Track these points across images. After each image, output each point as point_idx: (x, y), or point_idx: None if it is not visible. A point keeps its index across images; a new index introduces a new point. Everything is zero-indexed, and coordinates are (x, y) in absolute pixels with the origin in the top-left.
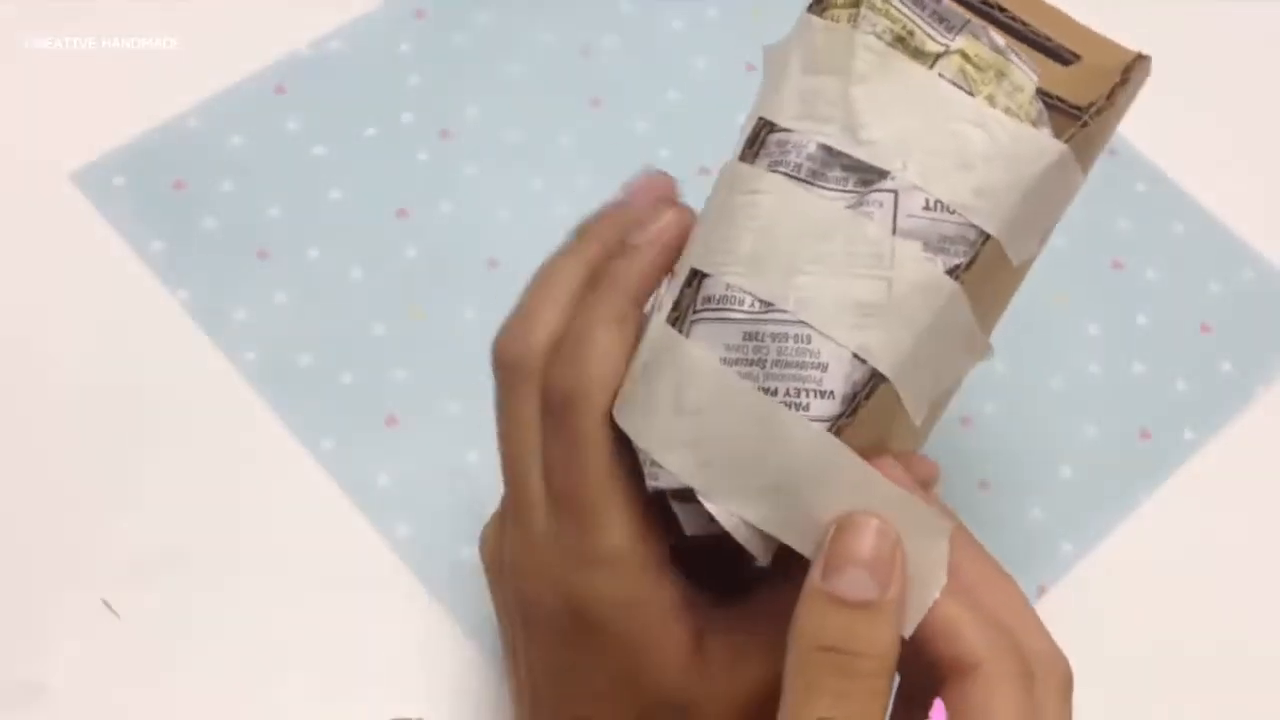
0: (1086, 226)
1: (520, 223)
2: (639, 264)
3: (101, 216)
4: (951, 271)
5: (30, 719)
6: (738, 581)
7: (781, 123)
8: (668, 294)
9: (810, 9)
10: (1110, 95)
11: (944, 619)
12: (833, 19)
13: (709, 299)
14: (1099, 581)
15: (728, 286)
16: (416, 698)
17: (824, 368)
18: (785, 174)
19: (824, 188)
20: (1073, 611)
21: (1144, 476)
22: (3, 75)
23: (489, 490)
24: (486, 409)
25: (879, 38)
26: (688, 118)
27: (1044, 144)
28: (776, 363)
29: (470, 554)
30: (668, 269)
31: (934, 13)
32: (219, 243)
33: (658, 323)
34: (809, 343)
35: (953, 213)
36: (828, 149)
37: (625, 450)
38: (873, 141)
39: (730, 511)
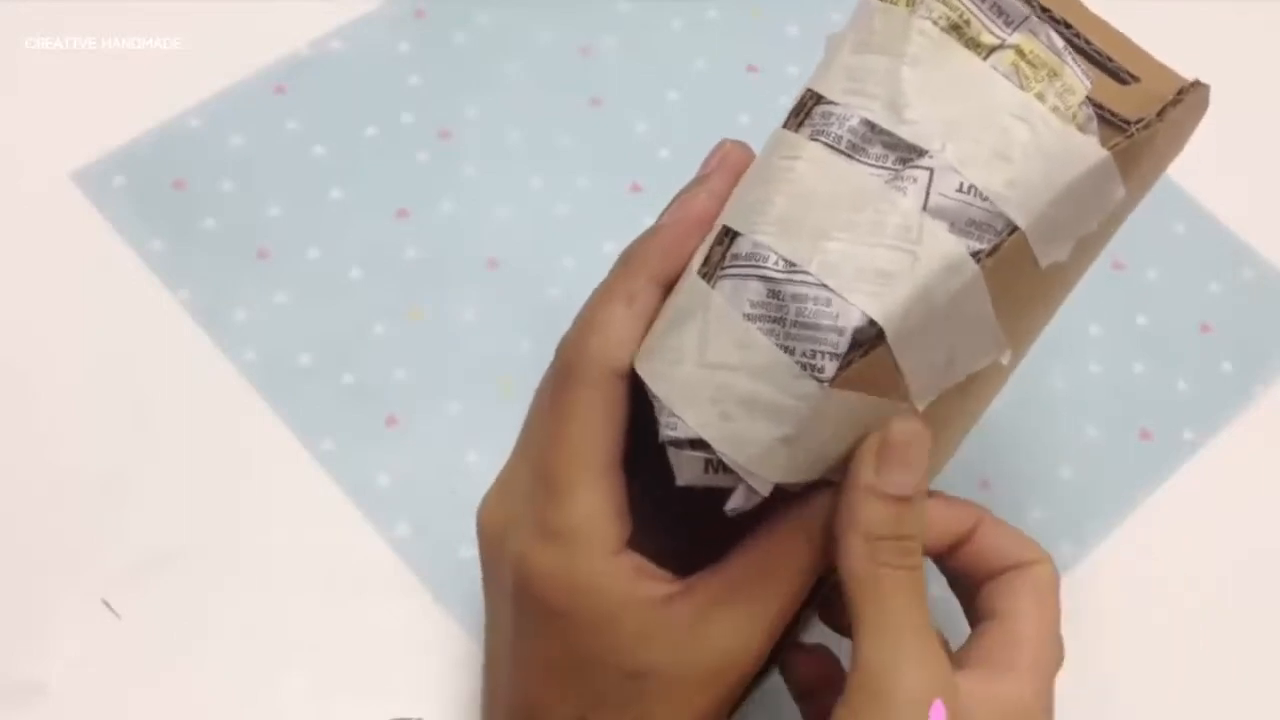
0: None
1: (520, 223)
2: (658, 243)
3: (101, 216)
4: (975, 255)
5: (30, 719)
6: (697, 554)
7: (829, 95)
8: (699, 250)
9: None
10: (1161, 112)
11: (999, 534)
12: (892, 1)
13: (737, 256)
14: (1099, 581)
15: (755, 244)
16: (416, 698)
17: (841, 332)
18: (825, 143)
19: (863, 161)
20: (1073, 611)
21: (1144, 476)
22: (3, 75)
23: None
24: (486, 409)
25: (935, 23)
26: (688, 118)
27: (1086, 148)
28: (796, 323)
29: (471, 554)
30: (691, 247)
31: (994, 5)
32: (219, 243)
33: (688, 275)
34: (828, 305)
35: (985, 199)
36: (870, 124)
37: (610, 425)
38: (915, 121)
39: (744, 465)
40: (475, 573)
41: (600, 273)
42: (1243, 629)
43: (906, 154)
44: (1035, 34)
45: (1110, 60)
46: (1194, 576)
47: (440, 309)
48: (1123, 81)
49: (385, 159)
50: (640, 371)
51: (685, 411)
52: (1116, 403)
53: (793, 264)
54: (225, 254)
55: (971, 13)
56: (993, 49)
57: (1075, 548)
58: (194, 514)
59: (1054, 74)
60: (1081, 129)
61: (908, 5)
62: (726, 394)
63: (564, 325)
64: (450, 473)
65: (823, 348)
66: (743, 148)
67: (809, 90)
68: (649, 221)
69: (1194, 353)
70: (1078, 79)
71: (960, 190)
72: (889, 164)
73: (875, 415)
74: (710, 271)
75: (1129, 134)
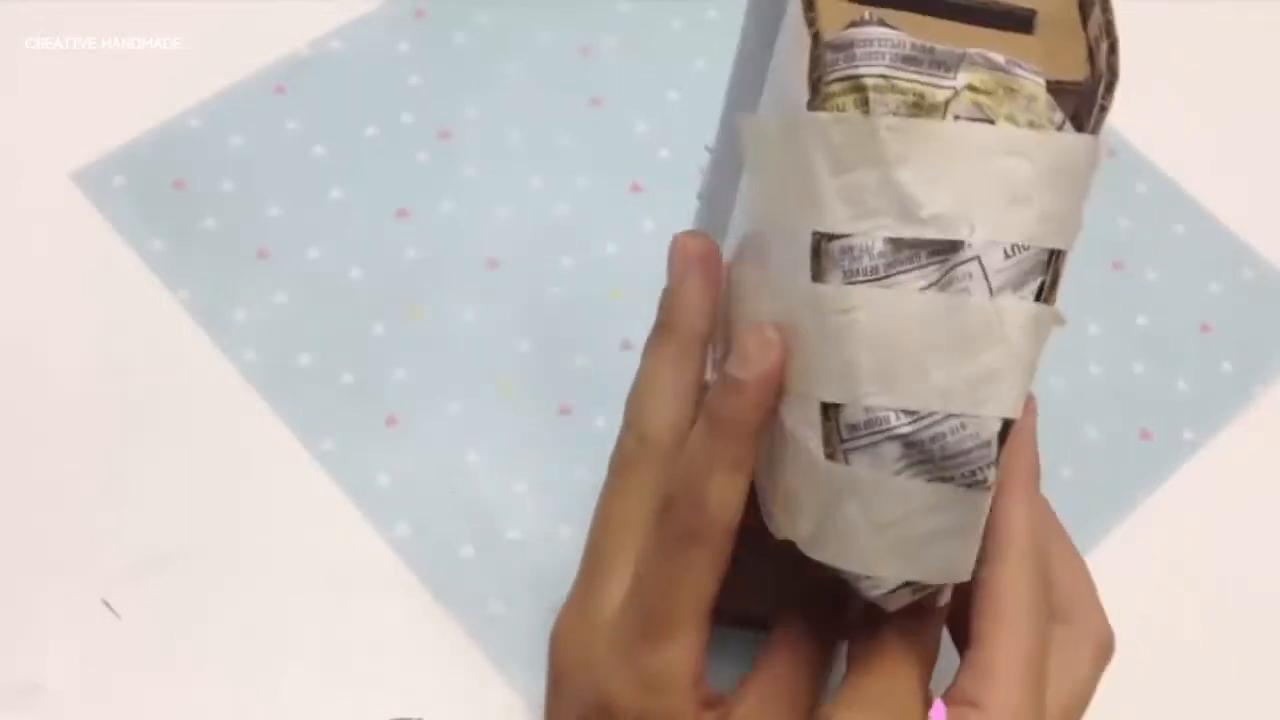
0: (1086, 227)
1: (520, 223)
2: (747, 404)
3: (101, 216)
4: (1038, 294)
5: (30, 719)
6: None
7: (837, 230)
8: (795, 419)
9: (810, 106)
10: (1111, 64)
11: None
12: (838, 108)
13: (853, 426)
14: (1099, 581)
15: (868, 410)
16: (416, 698)
17: (988, 444)
18: (865, 282)
19: (903, 274)
20: None
21: (1144, 476)
22: (3, 75)
23: (489, 490)
24: (486, 409)
25: (895, 113)
26: (688, 118)
27: (1077, 145)
28: (944, 456)
29: (470, 553)
30: (775, 398)
31: (931, 63)
32: (219, 243)
33: (814, 461)
34: (965, 429)
35: (1028, 248)
36: (893, 240)
37: (720, 577)
38: (933, 217)
39: (946, 578)
40: (475, 572)
41: (601, 272)
42: (1243, 629)
43: (940, 248)
44: (976, 64)
45: (1000, 3)
46: (1194, 576)
47: (440, 309)
48: (1028, 23)
49: (385, 159)
50: (820, 559)
51: (880, 571)
52: (1116, 403)
53: (914, 411)
54: (225, 254)
55: (921, 84)
56: (949, 101)
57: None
58: (194, 514)
59: (1010, 90)
60: (1060, 126)
61: (857, 107)
62: (909, 540)
63: (564, 325)
64: (450, 473)
65: (977, 463)
66: (698, 238)
67: (815, 232)
68: (649, 222)
69: (1194, 353)
70: (1030, 81)
71: (1007, 256)
72: (924, 259)
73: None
74: (834, 451)
75: (1100, 106)
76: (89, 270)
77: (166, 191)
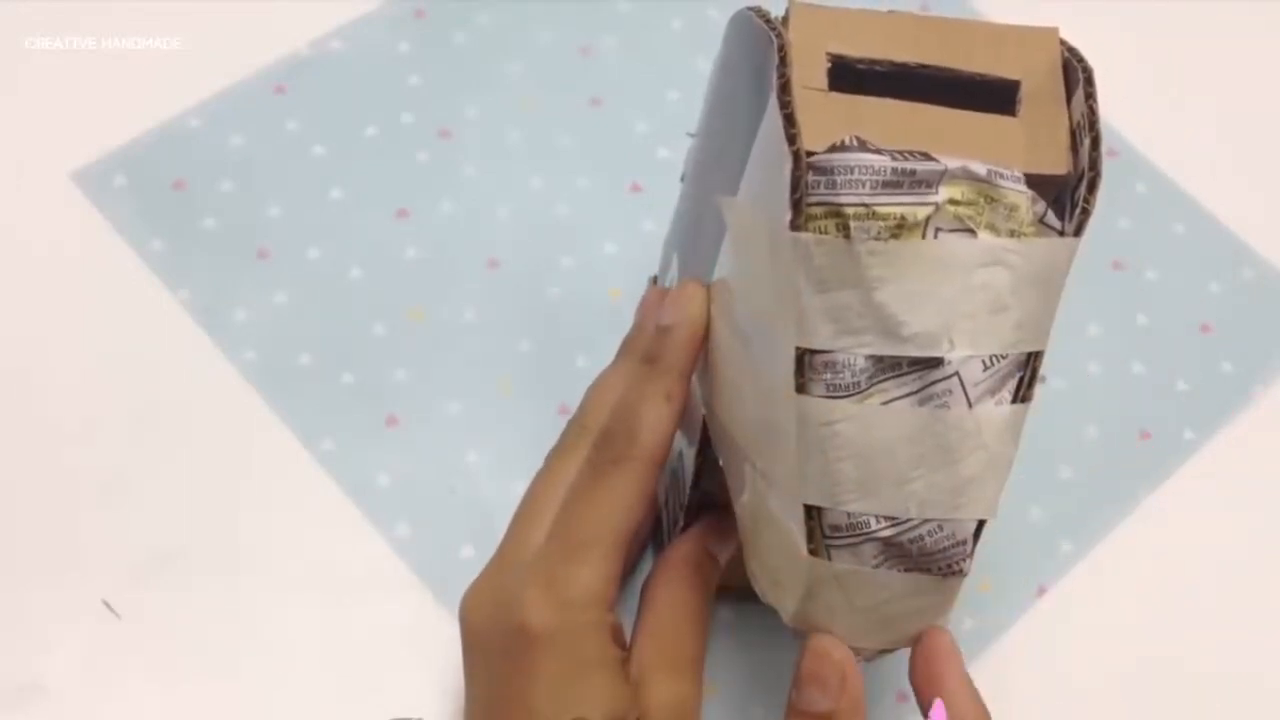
0: (1087, 227)
1: (520, 223)
2: (676, 347)
3: (101, 216)
4: (1017, 392)
5: (30, 719)
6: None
7: (818, 345)
8: (779, 505)
9: (792, 226)
10: (1093, 163)
11: None
12: (820, 230)
13: (836, 527)
14: (1098, 581)
15: (849, 515)
16: (417, 698)
17: (964, 543)
18: (847, 397)
19: (886, 385)
20: (1072, 611)
21: (1144, 476)
22: (3, 75)
23: (489, 490)
24: (486, 409)
25: (877, 238)
26: (688, 118)
27: (1056, 250)
28: (921, 553)
29: (470, 554)
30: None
31: (912, 184)
32: (219, 243)
33: (797, 553)
34: (942, 529)
35: (1006, 356)
36: (875, 358)
37: (637, 501)
38: (914, 335)
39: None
40: (475, 572)
41: (600, 272)
42: (1243, 629)
43: (921, 363)
44: (956, 178)
45: (983, 77)
46: (1194, 576)
47: (440, 309)
48: (1012, 98)
49: (385, 159)
50: (804, 629)
51: (862, 644)
52: (1116, 403)
53: (893, 518)
54: (225, 254)
55: (902, 206)
56: (929, 218)
57: (1075, 547)
58: (194, 514)
59: (991, 199)
60: (1040, 222)
61: (838, 231)
62: (888, 618)
63: (564, 325)
64: (450, 473)
65: (954, 558)
66: (658, 293)
67: (796, 347)
68: (649, 223)
69: (1194, 353)
70: (1011, 188)
71: (986, 368)
72: (905, 369)
73: None
74: (817, 548)
75: (1083, 206)
76: (89, 270)
77: (166, 191)
